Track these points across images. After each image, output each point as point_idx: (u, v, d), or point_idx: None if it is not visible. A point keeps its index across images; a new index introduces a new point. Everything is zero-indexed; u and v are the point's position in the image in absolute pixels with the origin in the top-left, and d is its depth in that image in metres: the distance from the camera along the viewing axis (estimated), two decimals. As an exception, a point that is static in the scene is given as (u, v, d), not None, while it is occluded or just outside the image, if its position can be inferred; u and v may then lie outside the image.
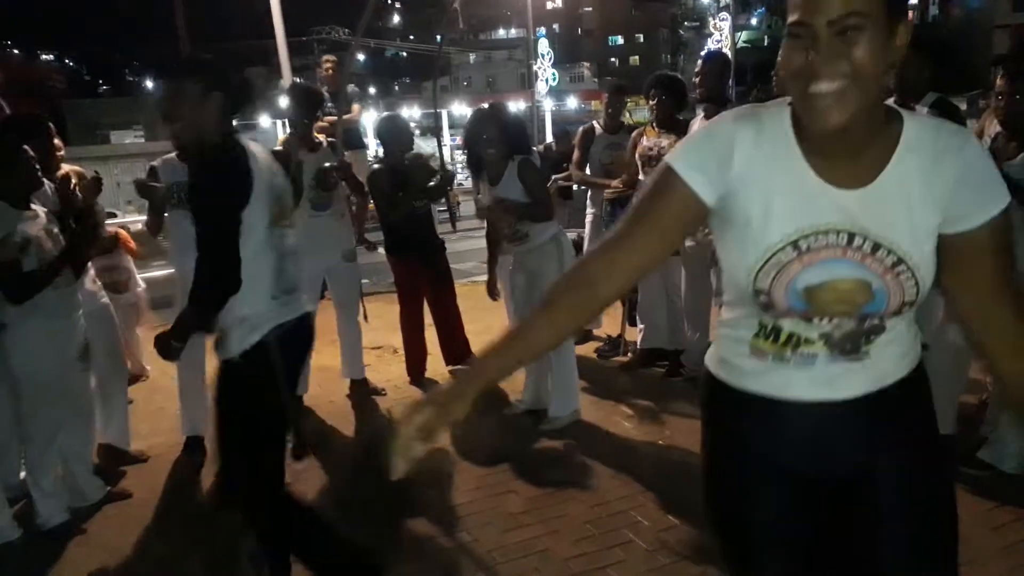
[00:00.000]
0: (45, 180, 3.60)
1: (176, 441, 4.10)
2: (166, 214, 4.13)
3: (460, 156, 23.63)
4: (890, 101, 3.51)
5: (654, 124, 4.67)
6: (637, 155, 4.70)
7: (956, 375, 3.49)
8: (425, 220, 4.84)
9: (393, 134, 4.76)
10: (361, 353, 4.83)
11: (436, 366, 5.09)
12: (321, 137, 4.59)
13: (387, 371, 5.16)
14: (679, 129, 4.46)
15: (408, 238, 4.77)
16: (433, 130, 14.74)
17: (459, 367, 4.89)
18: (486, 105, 4.37)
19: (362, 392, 4.77)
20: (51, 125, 3.69)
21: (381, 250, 5.03)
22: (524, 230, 4.01)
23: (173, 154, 4.03)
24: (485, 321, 5.22)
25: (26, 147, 3.17)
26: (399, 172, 4.64)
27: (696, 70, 4.36)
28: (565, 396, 4.12)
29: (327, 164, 4.37)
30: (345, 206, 4.66)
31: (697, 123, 4.30)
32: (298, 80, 5.79)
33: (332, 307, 4.79)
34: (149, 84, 66.27)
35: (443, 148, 7.60)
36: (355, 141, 8.14)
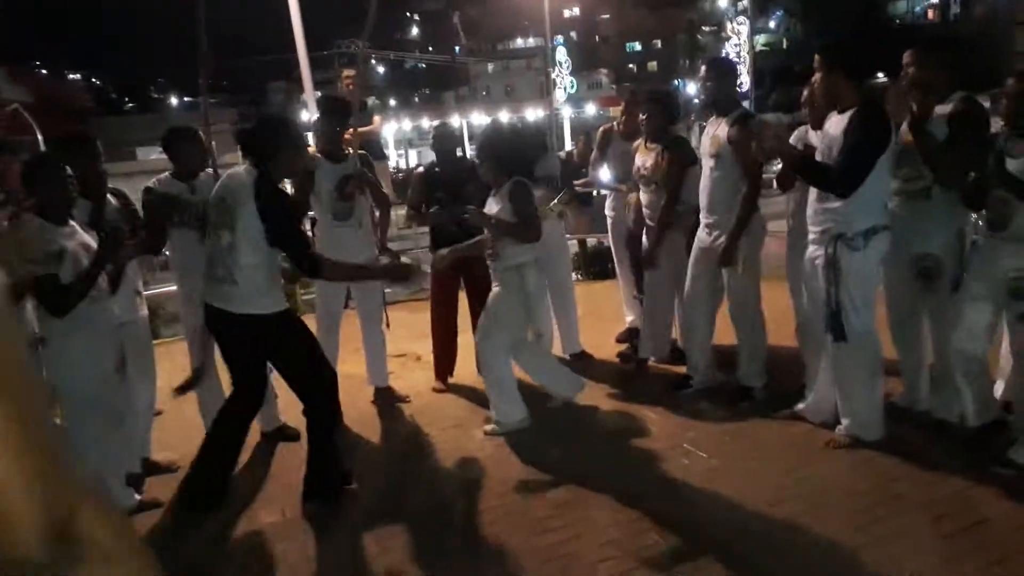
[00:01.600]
0: (109, 196, 3.71)
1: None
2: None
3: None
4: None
5: (646, 142, 4.70)
6: (633, 171, 4.76)
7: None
8: (471, 225, 4.87)
9: (447, 140, 4.98)
10: (385, 361, 4.88)
11: (463, 372, 5.12)
12: (349, 149, 4.65)
13: (411, 378, 5.20)
14: (669, 142, 4.51)
15: (451, 242, 4.82)
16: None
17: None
18: (490, 120, 4.51)
19: (387, 399, 4.82)
20: (97, 143, 3.76)
21: (404, 259, 5.07)
22: (499, 249, 4.05)
23: (168, 173, 4.08)
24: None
25: (65, 166, 3.26)
26: (452, 176, 4.73)
27: (700, 76, 4.36)
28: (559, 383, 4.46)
29: (346, 174, 4.43)
30: (367, 216, 4.70)
31: (708, 127, 4.30)
32: (319, 96, 5.88)
33: (356, 316, 4.84)
34: (173, 101, 67.32)
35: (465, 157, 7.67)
36: (376, 152, 8.25)
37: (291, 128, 3.51)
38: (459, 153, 5.04)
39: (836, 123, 3.55)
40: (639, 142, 4.79)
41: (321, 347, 3.65)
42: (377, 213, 4.98)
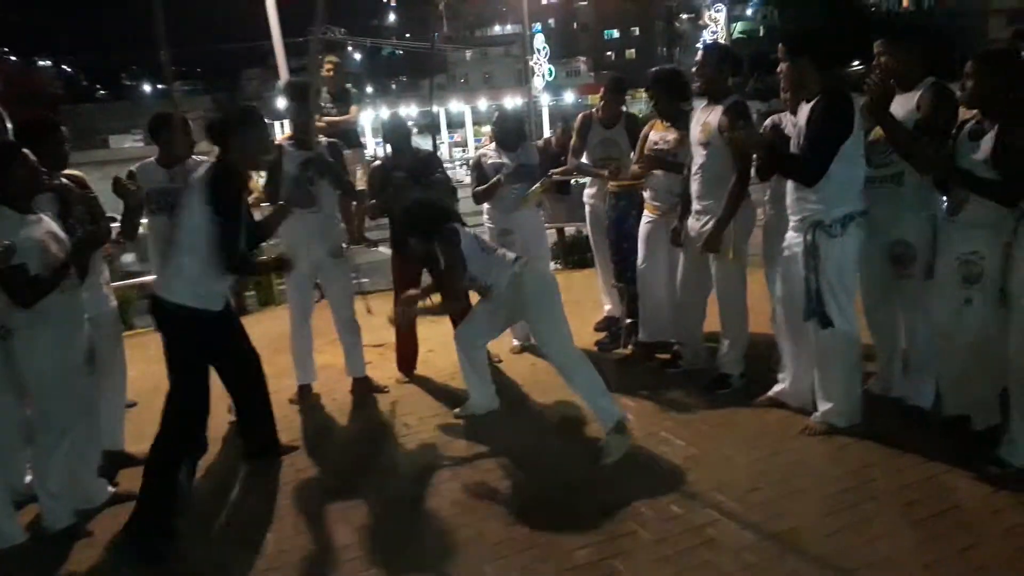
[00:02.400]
0: (63, 180, 3.63)
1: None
2: (143, 219, 4.13)
3: (458, 153, 23.78)
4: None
5: (661, 119, 4.67)
6: (645, 148, 4.68)
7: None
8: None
9: (398, 130, 4.94)
10: (362, 351, 4.85)
11: (433, 360, 5.12)
12: (322, 137, 4.60)
13: (391, 368, 5.18)
14: (682, 121, 4.46)
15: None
16: (430, 128, 14.71)
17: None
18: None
19: (364, 389, 4.79)
20: (63, 129, 3.69)
21: (381, 248, 5.05)
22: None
23: (153, 159, 4.04)
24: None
25: (26, 151, 3.18)
26: (407, 167, 4.70)
27: (695, 61, 4.34)
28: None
29: (307, 156, 4.36)
30: (333, 204, 4.65)
31: (696, 114, 4.30)
32: (292, 78, 5.80)
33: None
34: (147, 88, 66.38)
35: (440, 146, 7.63)
36: (353, 141, 8.17)
37: (252, 119, 3.45)
38: (413, 143, 5.00)
39: (803, 112, 3.60)
40: (654, 121, 4.73)
41: (208, 382, 3.43)
42: (353, 204, 4.95)
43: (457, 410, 4.29)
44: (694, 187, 4.27)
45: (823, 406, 3.75)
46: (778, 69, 3.75)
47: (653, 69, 4.84)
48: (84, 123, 33.58)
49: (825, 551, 2.80)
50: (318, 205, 4.47)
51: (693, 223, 4.30)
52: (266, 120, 4.33)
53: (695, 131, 4.24)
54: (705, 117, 4.18)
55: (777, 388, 4.09)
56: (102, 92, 68.15)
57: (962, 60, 3.33)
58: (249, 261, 3.51)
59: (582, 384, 3.78)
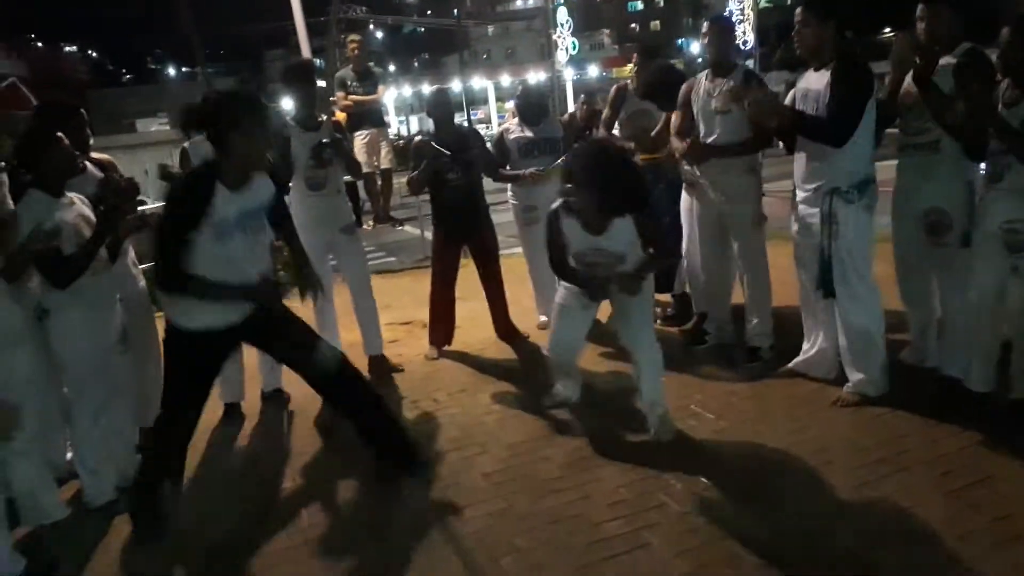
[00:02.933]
0: (88, 164, 3.66)
1: (214, 417, 4.19)
2: None
3: (482, 130, 23.69)
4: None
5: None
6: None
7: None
8: (476, 193, 4.85)
9: (443, 107, 4.86)
10: (379, 329, 4.85)
11: (460, 336, 5.13)
12: (323, 116, 4.59)
13: (417, 345, 5.21)
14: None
15: (457, 211, 4.78)
16: (458, 105, 14.67)
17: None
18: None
19: (380, 368, 4.77)
20: (84, 112, 3.72)
21: (407, 227, 5.06)
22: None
23: (203, 136, 4.06)
24: (513, 294, 5.25)
25: (60, 135, 3.23)
26: (450, 143, 4.67)
27: (703, 34, 4.28)
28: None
29: (323, 140, 4.37)
30: (342, 186, 4.65)
31: (703, 86, 4.21)
32: (317, 63, 5.80)
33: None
34: (171, 71, 66.80)
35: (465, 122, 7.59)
36: (377, 120, 8.18)
37: (245, 109, 2.94)
38: (456, 118, 4.93)
39: (816, 79, 3.60)
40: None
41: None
42: (379, 182, 4.94)
43: (546, 399, 4.09)
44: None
45: (853, 376, 3.73)
46: (793, 34, 3.70)
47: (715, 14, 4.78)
48: (111, 107, 33.91)
49: (858, 522, 2.79)
50: (327, 187, 4.48)
51: (709, 194, 4.26)
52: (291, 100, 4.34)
53: (708, 102, 4.18)
54: (720, 86, 4.12)
55: (799, 359, 4.08)
56: (128, 76, 68.73)
57: (996, 26, 3.25)
58: (197, 284, 2.93)
59: (654, 378, 3.63)
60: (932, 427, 3.41)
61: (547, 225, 3.61)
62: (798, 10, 3.68)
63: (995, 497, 2.87)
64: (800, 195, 3.76)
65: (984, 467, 3.07)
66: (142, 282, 3.96)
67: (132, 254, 3.93)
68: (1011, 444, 3.18)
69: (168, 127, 28.06)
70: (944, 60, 3.43)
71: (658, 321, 5.07)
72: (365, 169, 4.76)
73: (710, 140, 4.18)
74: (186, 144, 4.13)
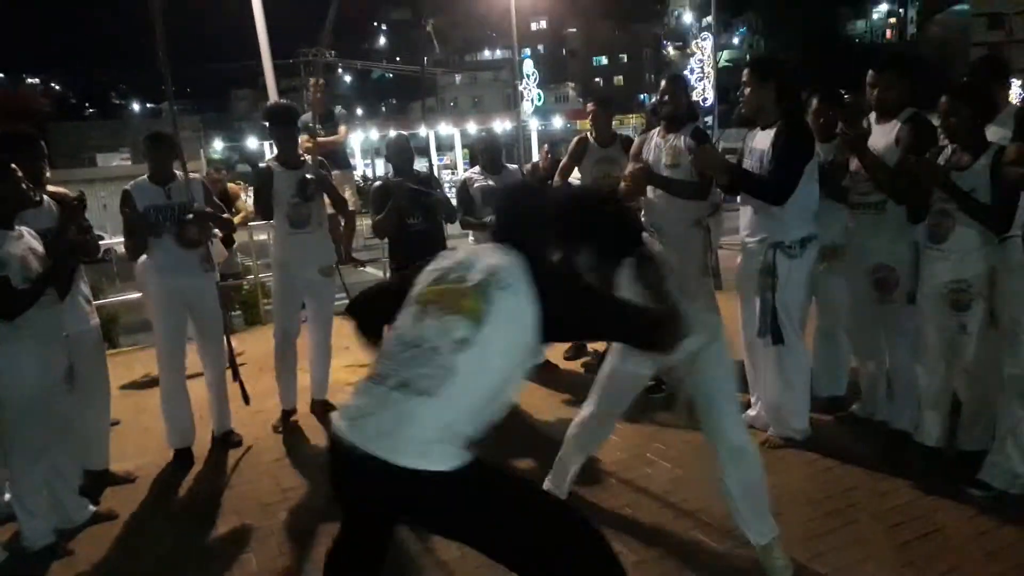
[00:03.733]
0: (45, 197, 3.59)
1: (163, 460, 4.10)
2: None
3: (448, 176, 23.89)
4: (871, 117, 3.66)
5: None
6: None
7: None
8: (437, 237, 4.84)
9: (402, 152, 4.88)
10: (328, 373, 4.77)
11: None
12: (307, 156, 4.62)
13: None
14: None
15: (416, 256, 4.76)
16: (422, 151, 14.78)
17: None
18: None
19: (323, 411, 4.66)
20: (42, 143, 3.66)
21: (369, 268, 5.04)
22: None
23: (144, 177, 4.05)
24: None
25: (14, 166, 3.17)
26: (412, 188, 4.67)
27: (660, 91, 4.41)
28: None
29: (308, 175, 4.39)
30: (324, 222, 4.66)
31: (654, 140, 4.33)
32: (275, 100, 5.80)
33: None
34: (135, 107, 66.40)
35: (433, 169, 7.64)
36: (342, 162, 8.19)
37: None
38: (415, 164, 4.97)
39: (761, 138, 3.73)
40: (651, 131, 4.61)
41: None
42: (342, 223, 4.94)
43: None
44: (654, 210, 4.31)
45: (778, 419, 3.86)
46: (739, 93, 3.85)
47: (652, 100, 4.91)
48: (72, 141, 33.51)
49: (810, 573, 2.80)
50: (311, 224, 4.48)
51: (655, 246, 4.32)
52: (256, 140, 4.38)
53: (659, 155, 4.28)
54: (670, 142, 4.24)
55: (748, 412, 4.11)
56: (90, 110, 68.10)
57: (944, 91, 3.40)
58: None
59: (743, 489, 2.83)
60: (882, 480, 3.46)
61: None
62: (744, 71, 3.83)
63: (944, 549, 2.91)
64: (746, 246, 3.88)
65: (933, 519, 3.12)
66: (95, 319, 3.87)
67: (86, 290, 3.85)
68: (960, 496, 3.24)
69: (130, 162, 27.79)
70: (885, 125, 3.59)
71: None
72: (328, 211, 4.75)
73: (657, 193, 4.28)
74: (128, 186, 4.08)
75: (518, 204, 2.28)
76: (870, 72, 3.72)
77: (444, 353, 1.87)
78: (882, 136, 3.65)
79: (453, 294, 1.97)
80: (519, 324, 1.93)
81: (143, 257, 4.26)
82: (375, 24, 70.54)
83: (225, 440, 4.34)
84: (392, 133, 5.12)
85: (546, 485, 3.18)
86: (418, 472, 1.79)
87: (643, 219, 4.48)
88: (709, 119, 25.69)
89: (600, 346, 5.36)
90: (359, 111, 48.74)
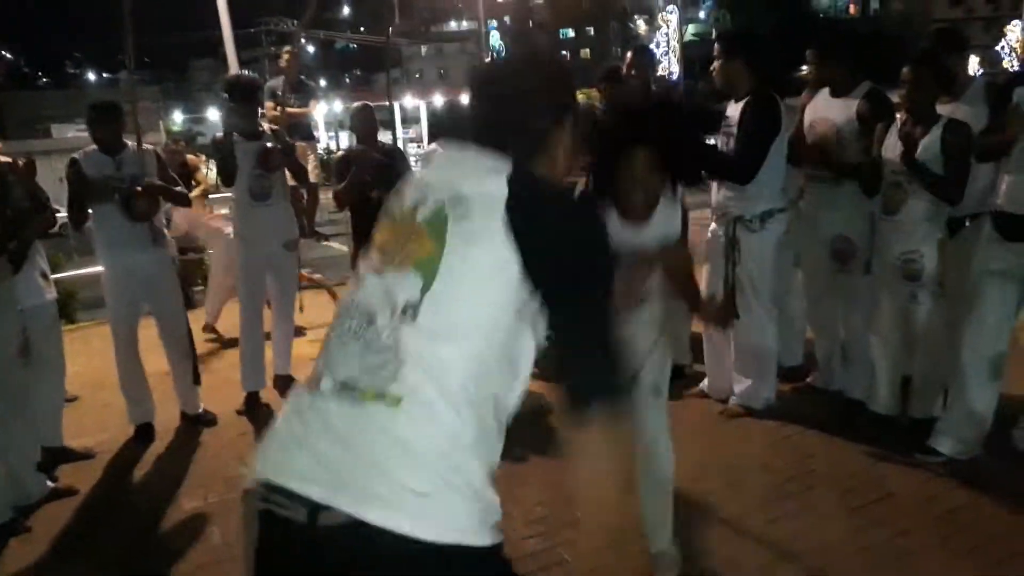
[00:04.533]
0: None
1: (124, 436, 4.05)
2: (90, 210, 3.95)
3: (413, 149, 23.66)
4: (824, 92, 3.71)
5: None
6: None
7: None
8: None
9: (367, 123, 4.83)
10: (291, 348, 4.73)
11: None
12: (265, 125, 4.54)
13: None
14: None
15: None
16: (386, 123, 14.61)
17: None
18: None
19: (286, 388, 4.58)
20: None
21: (334, 243, 5.00)
22: None
23: (94, 147, 3.95)
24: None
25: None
26: (375, 158, 4.61)
27: (627, 63, 4.40)
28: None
29: (269, 144, 4.31)
30: (286, 195, 4.60)
31: None
32: (245, 74, 5.69)
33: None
34: (91, 76, 64.63)
35: (397, 141, 7.58)
36: (306, 133, 8.08)
37: None
38: (379, 135, 4.93)
39: (733, 109, 3.75)
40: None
41: None
42: (304, 196, 4.87)
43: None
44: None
45: (739, 387, 3.93)
46: (711, 68, 3.87)
47: (605, 66, 4.91)
48: (26, 111, 32.57)
49: (766, 537, 2.88)
50: (273, 196, 4.42)
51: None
52: (217, 111, 4.28)
53: None
54: None
55: (705, 382, 4.22)
56: (44, 80, 66.18)
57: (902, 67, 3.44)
58: None
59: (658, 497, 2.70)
60: (838, 448, 3.55)
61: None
62: (715, 45, 3.85)
63: (896, 513, 3.00)
64: (712, 220, 3.93)
65: (886, 484, 3.21)
66: (51, 294, 3.79)
67: (43, 264, 3.77)
68: (911, 462, 3.34)
69: (86, 133, 27.10)
70: (844, 99, 3.63)
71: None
72: (290, 182, 4.68)
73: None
74: (76, 154, 3.97)
75: (517, 79, 1.47)
76: (808, 50, 3.76)
77: (382, 323, 1.25)
78: (840, 112, 3.68)
79: (399, 233, 1.34)
80: (493, 275, 1.25)
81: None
82: (338, -7, 69.32)
83: (197, 420, 4.25)
84: (356, 104, 5.04)
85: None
86: (416, 541, 1.14)
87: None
88: (675, 93, 25.74)
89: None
90: (323, 82, 48.02)
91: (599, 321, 1.32)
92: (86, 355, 5.17)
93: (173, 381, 4.22)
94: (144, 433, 4.10)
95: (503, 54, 32.02)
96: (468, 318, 1.25)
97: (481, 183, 1.29)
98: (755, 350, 3.85)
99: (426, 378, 1.21)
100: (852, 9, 47.05)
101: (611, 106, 3.52)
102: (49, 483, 3.53)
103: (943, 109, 3.41)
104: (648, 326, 2.37)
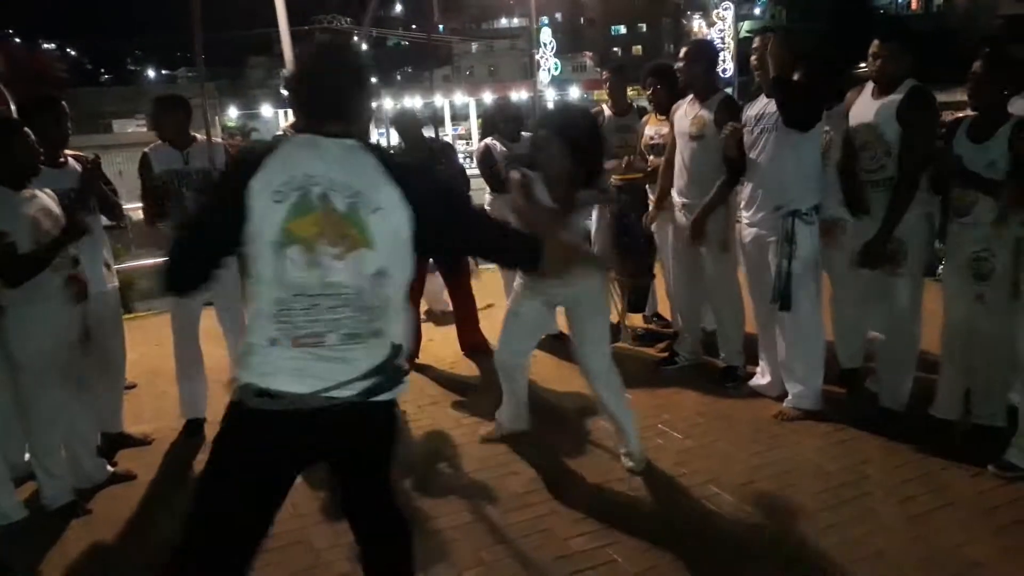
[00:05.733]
0: (70, 158, 3.62)
1: (179, 424, 4.14)
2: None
3: (462, 146, 23.78)
4: (866, 93, 3.61)
5: (656, 113, 4.71)
6: (642, 143, 4.76)
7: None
8: None
9: (409, 123, 4.89)
10: None
11: (432, 349, 5.13)
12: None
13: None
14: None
15: None
16: (434, 120, 14.69)
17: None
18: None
19: None
20: (64, 104, 3.64)
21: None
22: None
23: (162, 142, 4.03)
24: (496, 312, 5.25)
25: (27, 130, 3.17)
26: (419, 158, 4.65)
27: (681, 57, 4.34)
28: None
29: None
30: None
31: (683, 108, 4.30)
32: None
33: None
34: (151, 73, 66.32)
35: (444, 137, 7.60)
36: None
37: None
38: (425, 134, 4.98)
39: (758, 108, 3.80)
40: (649, 115, 4.84)
41: None
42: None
43: (483, 433, 3.91)
44: (680, 181, 4.32)
45: (793, 390, 3.88)
46: (752, 61, 3.81)
47: (650, 64, 4.86)
48: (88, 107, 33.47)
49: (820, 545, 2.81)
50: None
51: (681, 218, 4.33)
52: (271, 108, 4.35)
53: (683, 124, 4.25)
54: (695, 111, 4.19)
55: (755, 380, 4.20)
56: (106, 76, 68.11)
57: (971, 63, 3.33)
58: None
59: (615, 402, 3.47)
60: (895, 453, 3.46)
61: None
62: (756, 38, 3.78)
63: (958, 523, 2.91)
64: (753, 218, 3.87)
65: (946, 493, 3.12)
66: (114, 282, 3.89)
67: (107, 254, 3.87)
68: (973, 470, 3.23)
69: (145, 129, 27.81)
70: (889, 97, 3.51)
71: (629, 341, 5.09)
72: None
73: (680, 162, 4.28)
74: (147, 148, 4.05)
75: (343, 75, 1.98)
76: (874, 42, 3.65)
77: (369, 290, 1.84)
78: (882, 108, 3.56)
79: (333, 226, 1.82)
80: (401, 239, 1.88)
81: None
82: (391, -9, 69.85)
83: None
84: (411, 101, 5.10)
85: (504, 418, 3.82)
86: (381, 403, 1.91)
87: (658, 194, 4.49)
88: (729, 90, 25.37)
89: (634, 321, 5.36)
90: (373, 79, 48.41)
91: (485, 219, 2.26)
92: (144, 344, 5.30)
93: (230, 370, 4.26)
94: (193, 429, 4.11)
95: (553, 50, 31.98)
96: (403, 265, 1.93)
97: (359, 170, 1.86)
98: (806, 344, 3.80)
99: (398, 312, 1.93)
100: (914, 4, 45.77)
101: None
102: (109, 468, 3.63)
103: (1015, 107, 3.30)
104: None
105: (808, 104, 3.60)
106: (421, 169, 2.30)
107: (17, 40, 42.03)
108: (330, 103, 1.93)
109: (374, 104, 2.06)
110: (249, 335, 1.88)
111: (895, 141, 3.49)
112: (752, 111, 3.83)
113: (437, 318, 5.82)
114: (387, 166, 1.87)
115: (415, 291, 4.93)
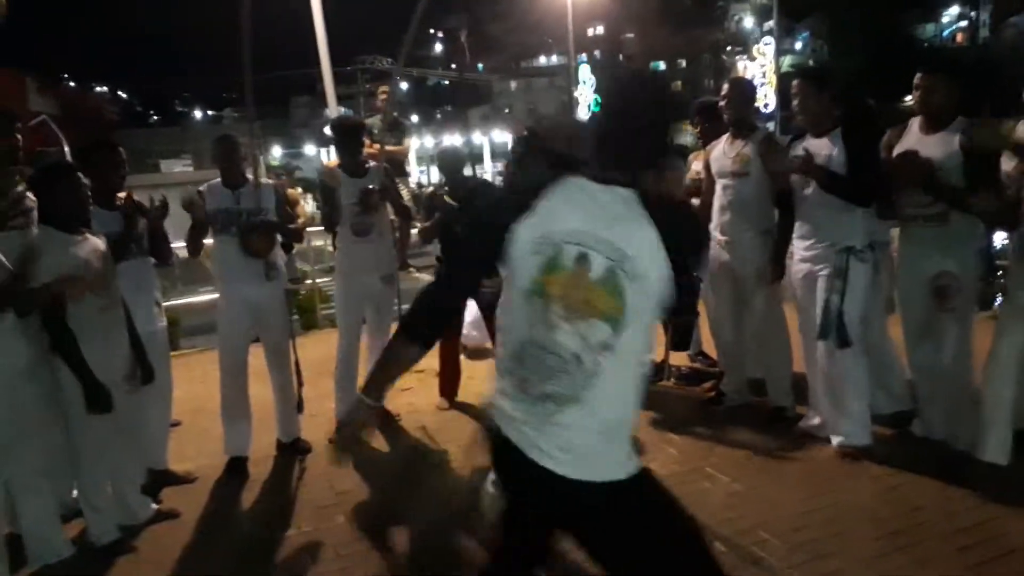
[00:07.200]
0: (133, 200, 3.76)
1: (221, 462, 4.17)
2: (208, 240, 4.16)
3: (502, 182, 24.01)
4: (914, 130, 3.56)
5: (704, 148, 4.69)
6: (689, 178, 4.77)
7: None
8: None
9: (451, 162, 4.97)
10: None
11: (473, 387, 5.11)
12: (372, 162, 4.66)
13: (430, 394, 5.17)
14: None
15: None
16: (472, 157, 14.87)
17: None
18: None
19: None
20: (120, 150, 3.77)
21: (422, 275, 5.08)
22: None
23: (218, 180, 4.11)
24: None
25: (79, 175, 3.27)
26: (459, 196, 4.71)
27: (723, 95, 4.33)
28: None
29: (371, 185, 4.43)
30: (387, 230, 4.70)
31: (721, 147, 4.29)
32: (342, 111, 5.89)
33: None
34: (197, 114, 68.22)
35: (483, 175, 7.69)
36: (399, 170, 8.28)
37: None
38: (466, 172, 5.04)
39: (818, 145, 3.73)
40: (698, 152, 4.87)
41: None
42: (398, 231, 4.97)
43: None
44: (722, 218, 4.28)
45: (843, 428, 3.81)
46: (793, 105, 3.86)
47: (698, 100, 4.86)
48: (136, 147, 34.50)
49: (874, 595, 2.72)
50: (374, 233, 4.52)
51: (723, 255, 4.28)
52: (314, 147, 4.46)
53: (723, 163, 4.24)
54: (738, 149, 4.18)
55: (805, 421, 4.11)
56: (155, 117, 70.25)
57: (1019, 96, 3.27)
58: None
59: None
60: (950, 500, 3.34)
61: None
62: (794, 81, 3.79)
63: (1016, 573, 2.79)
64: (806, 253, 3.83)
65: (1005, 541, 3.00)
66: (162, 322, 3.96)
67: (156, 293, 3.95)
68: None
69: (191, 168, 28.57)
70: (941, 134, 3.46)
71: (673, 380, 5.03)
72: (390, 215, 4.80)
73: (723, 201, 4.24)
74: (202, 186, 4.15)
75: (636, 112, 1.71)
76: (918, 74, 3.60)
77: (588, 360, 1.68)
78: (941, 147, 3.48)
79: (577, 290, 1.68)
80: (654, 300, 1.71)
81: None
82: (431, 31, 71.21)
83: (293, 447, 4.32)
84: (446, 141, 5.19)
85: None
86: (589, 484, 1.71)
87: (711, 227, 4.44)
88: (771, 125, 25.25)
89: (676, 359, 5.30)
90: (414, 118, 49.27)
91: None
92: (188, 381, 5.37)
93: (276, 407, 4.31)
94: (236, 466, 4.13)
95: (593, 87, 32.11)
96: (645, 328, 1.76)
97: (634, 231, 1.68)
98: (854, 382, 3.74)
99: (614, 382, 1.72)
100: (959, 38, 45.23)
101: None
102: (153, 505, 3.66)
103: None
104: None
105: (867, 187, 3.62)
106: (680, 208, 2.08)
107: (72, 83, 43.58)
108: (629, 145, 1.70)
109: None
110: None
111: (958, 177, 3.42)
112: (799, 151, 3.79)
113: (472, 353, 5.82)
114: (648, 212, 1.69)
115: (454, 327, 4.96)
